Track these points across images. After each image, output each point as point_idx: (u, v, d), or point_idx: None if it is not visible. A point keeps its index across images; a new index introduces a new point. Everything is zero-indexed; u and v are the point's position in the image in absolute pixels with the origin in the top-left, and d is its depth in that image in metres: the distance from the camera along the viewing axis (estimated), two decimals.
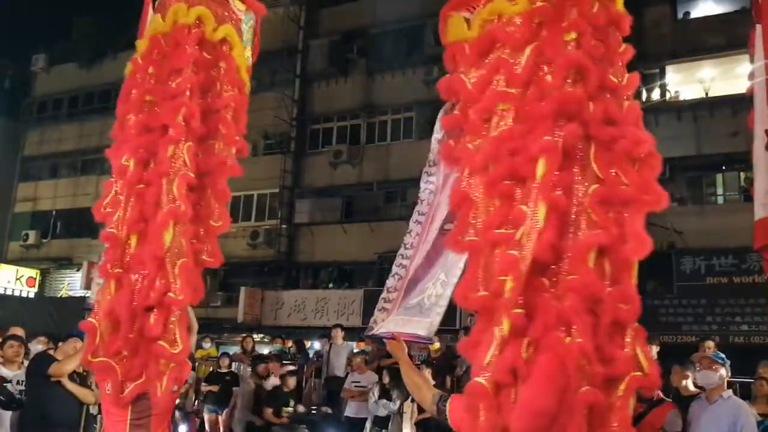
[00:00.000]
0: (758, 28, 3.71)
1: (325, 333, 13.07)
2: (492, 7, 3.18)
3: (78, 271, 24.85)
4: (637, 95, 17.68)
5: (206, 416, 11.67)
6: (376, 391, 9.84)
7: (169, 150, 4.21)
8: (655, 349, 9.12)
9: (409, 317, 3.76)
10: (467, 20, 3.32)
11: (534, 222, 2.74)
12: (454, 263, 3.63)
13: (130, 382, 3.99)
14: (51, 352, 6.96)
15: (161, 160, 4.22)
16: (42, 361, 6.57)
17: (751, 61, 3.78)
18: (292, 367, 11.07)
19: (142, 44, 4.72)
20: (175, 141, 4.25)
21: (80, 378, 6.70)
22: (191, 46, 4.46)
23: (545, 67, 2.97)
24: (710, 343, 9.07)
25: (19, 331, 8.04)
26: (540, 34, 3.02)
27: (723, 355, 6.16)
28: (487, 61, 3.14)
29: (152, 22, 4.74)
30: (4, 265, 26.37)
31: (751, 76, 3.77)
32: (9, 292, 25.32)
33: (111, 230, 4.16)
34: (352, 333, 15.55)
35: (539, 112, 2.86)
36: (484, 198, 2.93)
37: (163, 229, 4.04)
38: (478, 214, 2.93)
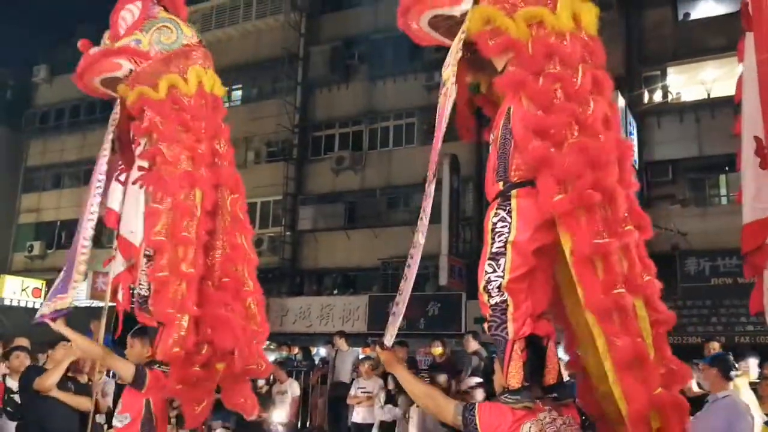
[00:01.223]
0: (748, 36, 3.74)
1: (330, 340, 13.08)
2: (534, 12, 3.37)
3: (83, 280, 24.84)
4: (639, 97, 17.80)
5: (213, 425, 11.67)
6: (381, 397, 9.86)
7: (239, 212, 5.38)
8: None
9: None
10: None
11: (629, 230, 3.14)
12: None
13: (198, 405, 4.79)
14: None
15: (242, 223, 5.41)
16: (30, 375, 6.48)
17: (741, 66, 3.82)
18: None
19: (188, 86, 5.12)
20: (240, 204, 5.42)
21: (78, 386, 6.65)
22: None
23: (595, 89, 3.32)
24: (715, 344, 9.04)
25: (24, 342, 8.04)
26: (586, 60, 3.34)
27: (722, 355, 6.15)
28: (546, 69, 3.31)
29: (197, 71, 5.21)
30: (9, 277, 26.36)
31: (740, 82, 3.80)
32: (15, 303, 25.32)
33: (191, 271, 4.69)
34: (357, 339, 15.57)
35: (608, 142, 3.22)
36: (580, 206, 3.13)
37: (253, 277, 5.21)
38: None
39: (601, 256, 3.04)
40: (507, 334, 3.21)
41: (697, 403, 6.23)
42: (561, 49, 3.31)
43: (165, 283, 4.61)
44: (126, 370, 4.79)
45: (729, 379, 5.76)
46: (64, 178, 29.13)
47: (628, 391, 2.94)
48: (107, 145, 5.22)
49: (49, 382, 6.19)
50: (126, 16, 5.30)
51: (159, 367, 4.86)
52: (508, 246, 3.25)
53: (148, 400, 4.77)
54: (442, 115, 3.60)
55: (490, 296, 3.27)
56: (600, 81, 3.34)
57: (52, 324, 4.85)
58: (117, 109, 5.27)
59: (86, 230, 4.95)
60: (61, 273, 5.10)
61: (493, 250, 3.30)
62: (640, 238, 3.27)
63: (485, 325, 3.36)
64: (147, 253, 5.11)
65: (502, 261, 3.25)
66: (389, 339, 3.66)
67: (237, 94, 25.51)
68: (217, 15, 25.20)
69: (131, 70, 5.22)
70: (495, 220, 3.34)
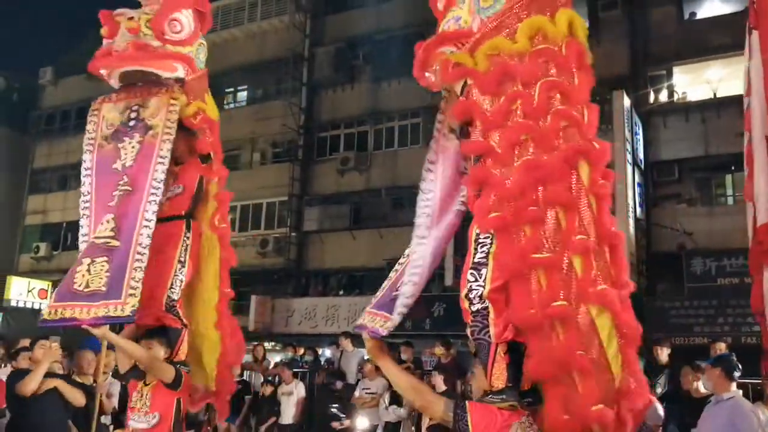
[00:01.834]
0: (755, 33, 3.71)
1: (335, 340, 13.07)
2: (492, 43, 3.52)
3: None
4: (645, 96, 17.73)
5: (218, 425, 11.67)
6: (386, 398, 9.83)
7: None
8: (666, 351, 9.07)
9: (379, 312, 3.98)
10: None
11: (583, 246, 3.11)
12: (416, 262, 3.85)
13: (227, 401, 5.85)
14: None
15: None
16: (13, 380, 6.44)
17: (748, 66, 3.79)
18: None
19: (212, 111, 5.61)
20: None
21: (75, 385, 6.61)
22: None
23: (558, 100, 3.35)
24: (721, 345, 9.01)
25: (29, 343, 8.04)
26: (549, 71, 3.39)
27: (726, 356, 6.11)
28: (503, 92, 3.45)
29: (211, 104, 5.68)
30: (15, 278, 26.46)
31: (748, 80, 3.78)
32: (21, 305, 25.41)
33: None
34: (362, 339, 15.53)
35: (562, 154, 3.24)
36: (517, 224, 3.21)
37: None
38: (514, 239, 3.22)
39: (542, 269, 3.08)
40: (490, 337, 3.33)
41: (702, 403, 6.21)
42: (518, 69, 3.41)
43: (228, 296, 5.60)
44: (168, 372, 4.97)
45: (732, 379, 5.71)
46: (70, 180, 29.14)
47: (547, 405, 3.01)
48: (166, 154, 5.14)
49: (30, 387, 6.15)
50: (183, 21, 5.45)
51: (181, 367, 5.13)
52: (490, 257, 3.37)
53: (179, 399, 5.03)
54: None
55: (471, 303, 3.40)
56: (566, 91, 3.38)
57: (93, 330, 4.67)
58: (174, 118, 5.28)
59: (143, 237, 4.82)
60: (94, 275, 4.85)
61: (476, 260, 3.43)
62: (615, 244, 3.28)
63: (468, 331, 3.46)
64: (181, 259, 5.32)
65: (483, 271, 3.38)
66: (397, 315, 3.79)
67: (242, 95, 25.56)
68: (222, 16, 25.21)
69: (177, 79, 5.45)
70: (478, 230, 3.47)
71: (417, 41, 4.32)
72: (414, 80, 4.66)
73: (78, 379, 7.04)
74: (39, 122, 30.53)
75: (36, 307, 25.80)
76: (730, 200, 17.72)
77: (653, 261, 16.70)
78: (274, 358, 15.93)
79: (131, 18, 5.34)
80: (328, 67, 23.20)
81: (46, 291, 26.42)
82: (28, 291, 25.97)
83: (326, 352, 15.67)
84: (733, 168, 17.27)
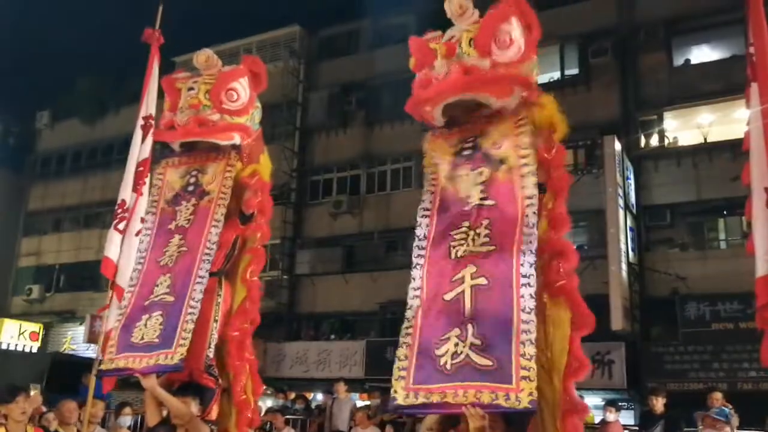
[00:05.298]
0: (754, 86, 3.73)
1: (328, 387, 12.91)
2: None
3: (81, 324, 24.71)
4: (636, 141, 17.86)
5: None
6: None
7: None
8: (662, 401, 8.83)
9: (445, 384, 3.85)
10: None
11: None
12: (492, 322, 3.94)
13: None
14: None
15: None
16: None
17: (748, 117, 3.82)
18: None
19: (265, 171, 5.89)
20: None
21: None
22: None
23: None
24: (718, 395, 8.78)
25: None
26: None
27: (728, 410, 6.03)
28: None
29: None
30: (7, 321, 26.20)
31: (747, 133, 3.79)
32: (12, 347, 25.14)
33: None
34: (354, 384, 15.38)
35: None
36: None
37: None
38: None
39: None
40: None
41: None
42: None
43: None
44: None
45: None
46: (64, 222, 29.17)
47: None
48: (220, 218, 5.46)
49: None
50: (239, 90, 5.77)
51: (212, 426, 5.16)
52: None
53: None
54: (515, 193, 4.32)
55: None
56: None
57: (143, 381, 4.88)
58: (229, 184, 5.60)
59: (195, 292, 5.13)
60: (149, 328, 5.10)
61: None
62: None
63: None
64: (216, 318, 5.44)
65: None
66: None
67: None
68: None
69: (233, 146, 5.79)
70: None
71: (410, 86, 4.53)
72: (406, 124, 4.93)
73: (60, 430, 6.98)
74: (35, 165, 30.61)
75: (27, 349, 25.53)
76: (723, 244, 17.75)
77: (647, 306, 16.65)
78: (266, 403, 15.73)
79: (191, 89, 5.68)
80: (322, 112, 23.40)
81: (38, 334, 26.17)
82: (20, 334, 25.71)
83: (318, 397, 15.52)
84: (725, 212, 17.37)
